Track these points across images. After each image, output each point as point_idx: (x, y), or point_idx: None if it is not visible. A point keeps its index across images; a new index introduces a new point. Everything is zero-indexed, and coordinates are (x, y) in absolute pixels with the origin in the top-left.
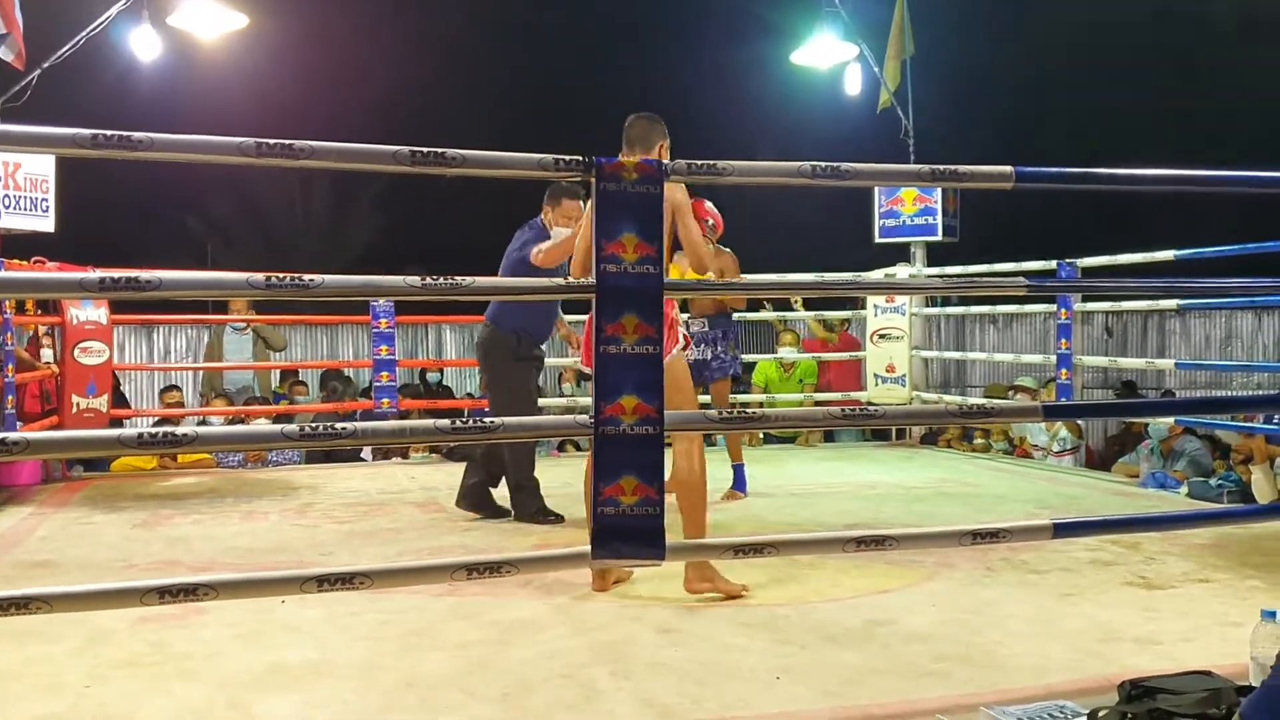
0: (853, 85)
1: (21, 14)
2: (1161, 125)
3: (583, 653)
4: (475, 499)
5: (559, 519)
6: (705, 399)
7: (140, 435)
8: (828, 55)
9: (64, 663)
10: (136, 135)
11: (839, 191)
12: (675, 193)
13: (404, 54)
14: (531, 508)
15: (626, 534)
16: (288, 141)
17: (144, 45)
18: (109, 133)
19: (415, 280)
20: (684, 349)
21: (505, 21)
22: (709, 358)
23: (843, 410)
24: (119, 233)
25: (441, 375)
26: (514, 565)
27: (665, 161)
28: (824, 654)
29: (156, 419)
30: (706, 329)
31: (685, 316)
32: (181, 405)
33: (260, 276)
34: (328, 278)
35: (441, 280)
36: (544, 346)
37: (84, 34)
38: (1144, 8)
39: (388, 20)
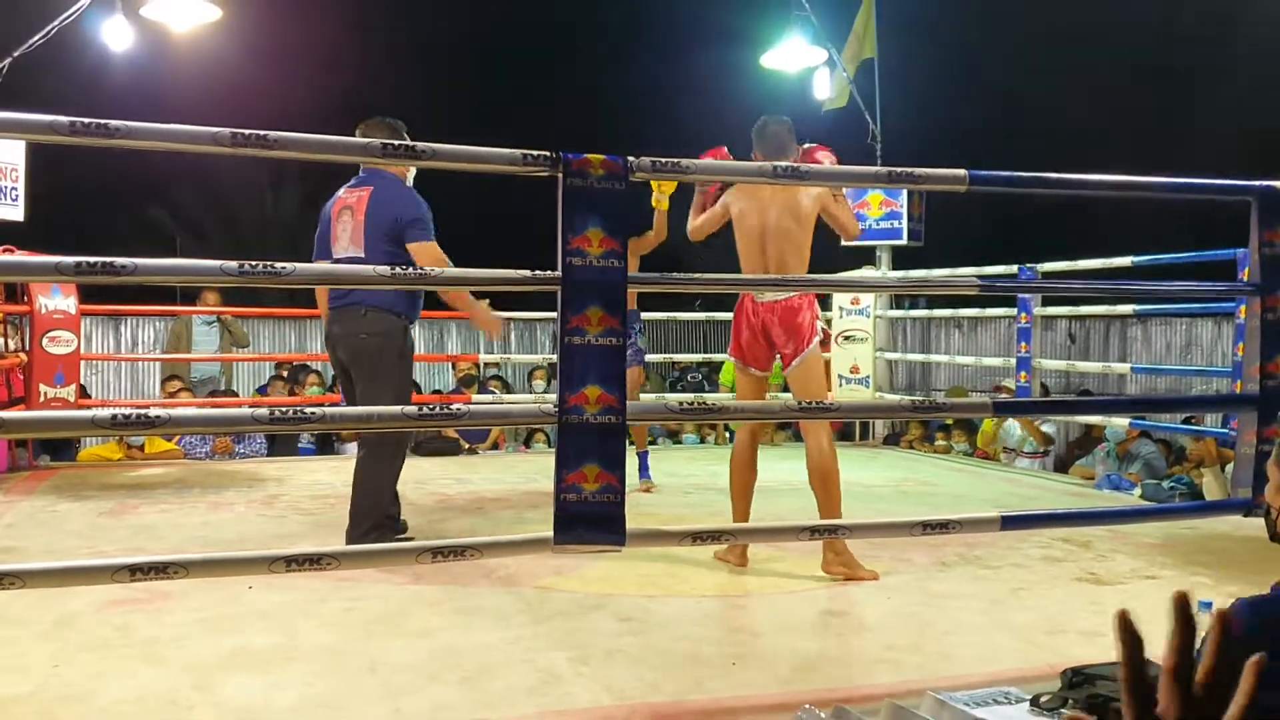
0: (821, 89)
1: None
2: (1141, 135)
3: (543, 639)
4: None
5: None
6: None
7: (114, 416)
8: (797, 59)
9: (30, 645)
10: (113, 123)
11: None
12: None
13: (377, 48)
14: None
15: (589, 520)
16: (262, 132)
17: (116, 36)
18: (86, 120)
19: (385, 269)
20: (822, 340)
21: (479, 17)
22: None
23: (800, 404)
24: (88, 224)
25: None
26: (478, 549)
27: (631, 159)
28: (779, 642)
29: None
30: None
31: None
32: (189, 394)
33: (233, 264)
34: (299, 265)
35: (410, 270)
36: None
37: (55, 23)
38: (1116, 16)
39: (360, 15)
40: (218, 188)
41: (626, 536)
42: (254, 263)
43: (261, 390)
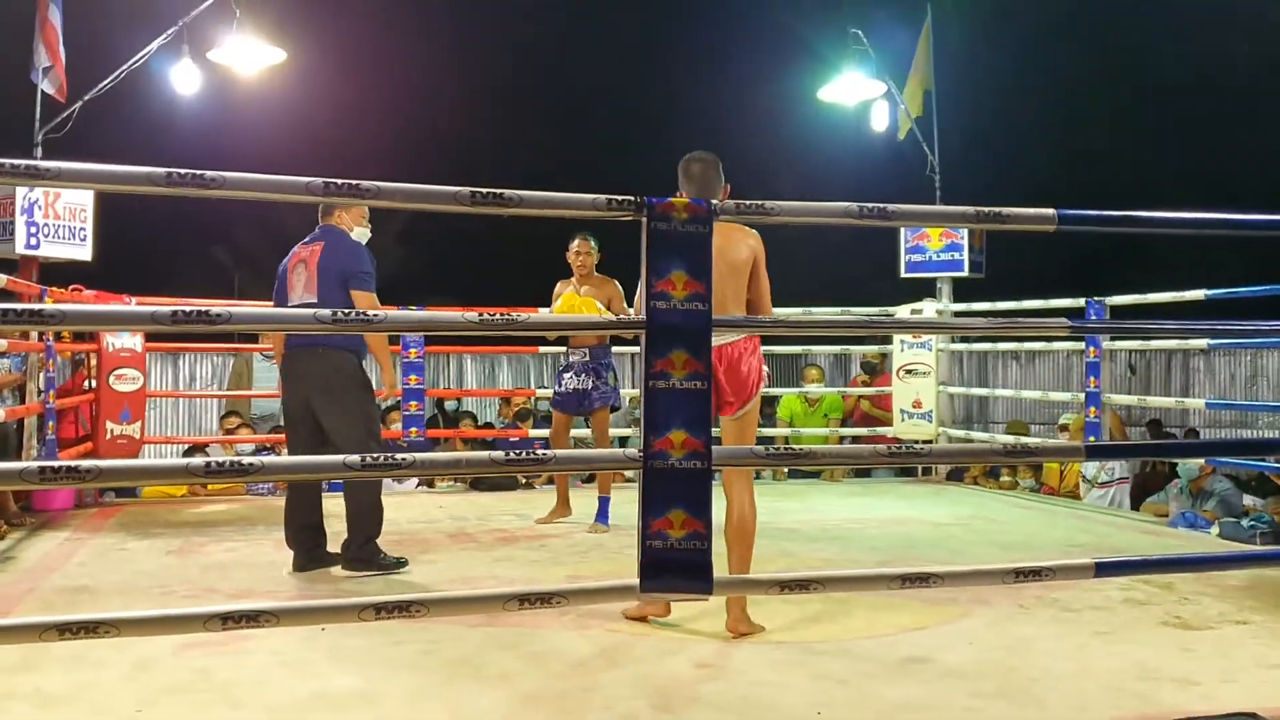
0: (879, 121)
1: (64, 48)
2: (1179, 168)
3: (623, 686)
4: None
5: (405, 563)
6: (584, 432)
7: (208, 464)
8: (855, 92)
9: (113, 688)
10: (209, 174)
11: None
12: (756, 240)
13: (439, 91)
14: (379, 556)
15: (675, 567)
16: (354, 181)
17: (184, 80)
18: (183, 171)
19: (473, 315)
20: (767, 385)
21: (536, 53)
22: (589, 388)
23: (888, 449)
24: (150, 262)
25: (459, 404)
26: (565, 596)
27: (714, 202)
28: (862, 689)
29: (187, 447)
30: (587, 359)
31: (564, 349)
32: (249, 430)
33: (326, 312)
34: (391, 312)
35: (498, 316)
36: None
37: (125, 67)
38: (1174, 49)
39: (422, 57)
40: (276, 228)
41: (714, 585)
42: (347, 311)
43: None
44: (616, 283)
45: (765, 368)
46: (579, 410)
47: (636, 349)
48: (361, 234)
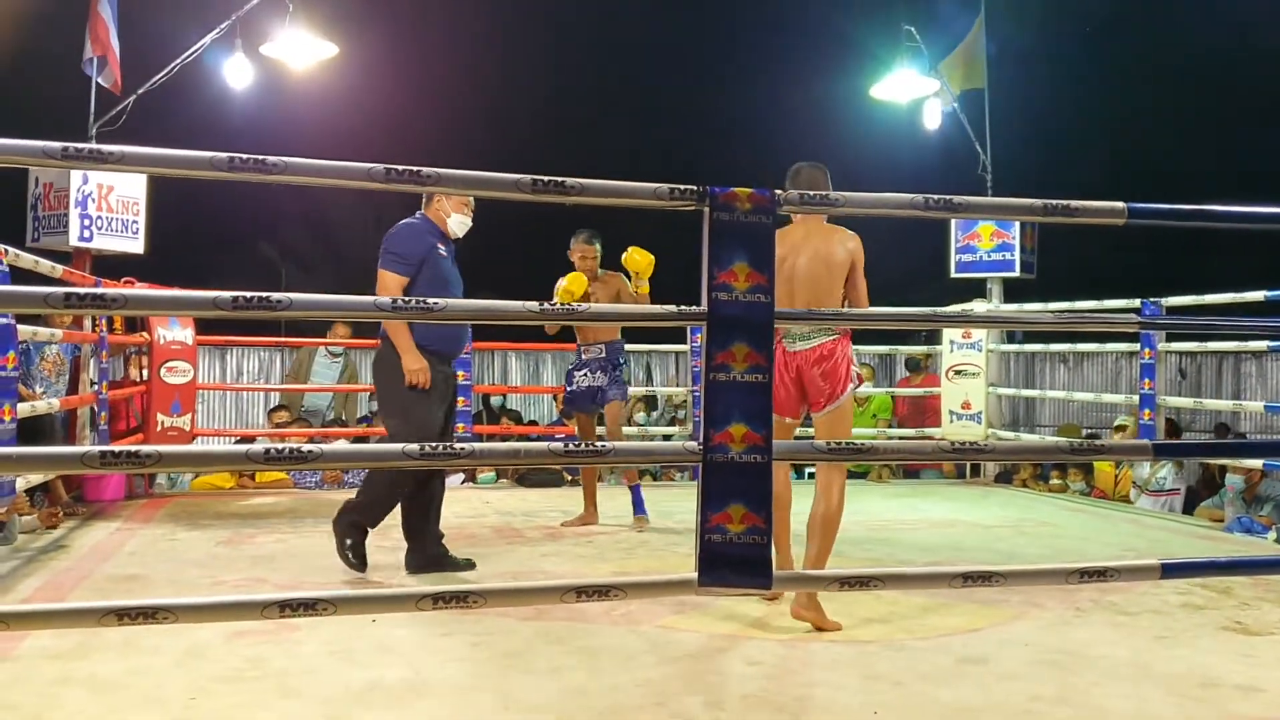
0: (931, 119)
1: (119, 42)
2: (1241, 169)
3: (674, 682)
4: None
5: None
6: (600, 429)
7: (267, 451)
8: (907, 89)
9: (165, 675)
10: (270, 159)
11: (912, 225)
12: (856, 243)
13: (489, 86)
14: (352, 539)
15: (734, 562)
16: (415, 168)
17: (237, 74)
18: (244, 156)
19: (534, 305)
20: (857, 386)
21: (587, 49)
22: (604, 384)
23: (953, 444)
24: (199, 256)
25: (505, 400)
26: (622, 590)
27: (778, 192)
28: (918, 691)
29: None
30: (603, 355)
31: (579, 344)
32: (290, 424)
33: (386, 300)
34: (450, 301)
35: (558, 305)
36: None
37: (178, 61)
38: (1224, 46)
39: (473, 54)
40: (323, 224)
41: (773, 580)
42: (406, 299)
43: (366, 421)
44: (621, 275)
45: (855, 366)
46: (592, 407)
47: (676, 347)
48: (460, 222)
